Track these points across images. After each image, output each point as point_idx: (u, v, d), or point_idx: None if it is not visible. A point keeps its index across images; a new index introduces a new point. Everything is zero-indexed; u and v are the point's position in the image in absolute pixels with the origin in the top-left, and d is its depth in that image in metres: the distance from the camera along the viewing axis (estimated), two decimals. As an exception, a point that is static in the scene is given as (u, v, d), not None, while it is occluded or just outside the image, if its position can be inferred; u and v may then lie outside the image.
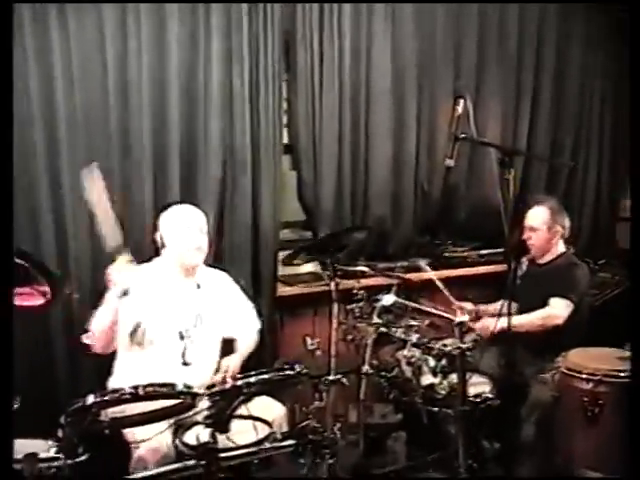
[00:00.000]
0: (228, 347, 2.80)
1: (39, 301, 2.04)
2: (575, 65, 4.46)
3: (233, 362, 2.76)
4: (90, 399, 2.00)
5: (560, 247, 3.49)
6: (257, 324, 3.13)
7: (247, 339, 3.01)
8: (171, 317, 2.79)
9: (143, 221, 3.15)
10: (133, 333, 2.69)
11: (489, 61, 4.15)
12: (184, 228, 2.82)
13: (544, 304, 3.31)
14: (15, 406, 1.89)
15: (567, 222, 3.48)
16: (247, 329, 3.06)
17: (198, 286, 2.87)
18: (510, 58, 4.21)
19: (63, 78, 2.96)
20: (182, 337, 2.80)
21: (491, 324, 3.15)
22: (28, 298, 2.03)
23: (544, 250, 3.48)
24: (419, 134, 4.00)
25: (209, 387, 2.17)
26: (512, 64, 4.22)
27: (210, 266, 3.04)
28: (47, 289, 2.04)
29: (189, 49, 3.25)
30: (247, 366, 2.81)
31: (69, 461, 2.00)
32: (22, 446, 1.96)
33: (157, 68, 3.18)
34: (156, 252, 2.91)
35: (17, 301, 1.97)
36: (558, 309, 3.25)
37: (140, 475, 2.28)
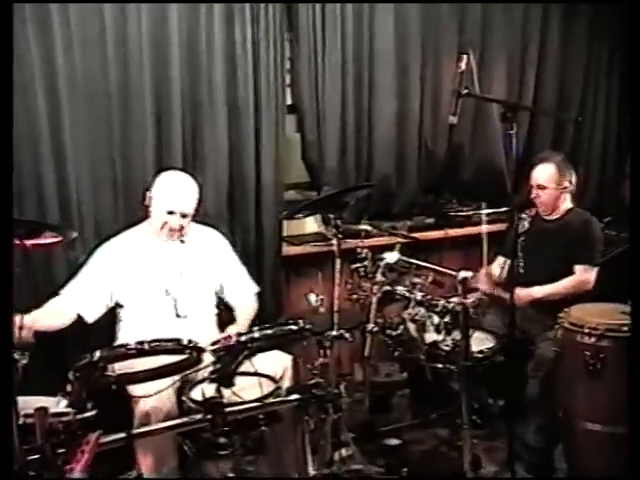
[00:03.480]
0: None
1: (51, 240, 2.15)
2: (583, 17, 4.34)
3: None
4: (97, 354, 2.03)
5: (568, 203, 3.49)
6: (254, 288, 3.16)
7: (246, 306, 3.06)
8: (156, 273, 2.87)
9: (144, 180, 3.10)
10: None
11: (495, 15, 4.06)
12: (170, 194, 2.87)
13: (558, 261, 3.35)
14: (24, 362, 1.92)
15: (574, 177, 3.47)
16: (244, 295, 3.10)
17: (182, 241, 2.92)
18: (516, 11, 4.11)
19: (62, 38, 2.93)
20: (167, 292, 2.86)
21: (526, 294, 3.24)
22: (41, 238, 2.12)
23: (552, 207, 3.48)
24: (423, 92, 3.96)
25: (214, 343, 2.20)
26: (518, 18, 4.13)
27: (202, 223, 3.09)
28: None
29: (190, 8, 3.21)
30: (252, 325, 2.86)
31: (79, 416, 2.04)
32: (32, 402, 1.99)
33: (158, 29, 3.14)
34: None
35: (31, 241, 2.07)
36: (587, 275, 3.33)
37: (146, 429, 2.33)
